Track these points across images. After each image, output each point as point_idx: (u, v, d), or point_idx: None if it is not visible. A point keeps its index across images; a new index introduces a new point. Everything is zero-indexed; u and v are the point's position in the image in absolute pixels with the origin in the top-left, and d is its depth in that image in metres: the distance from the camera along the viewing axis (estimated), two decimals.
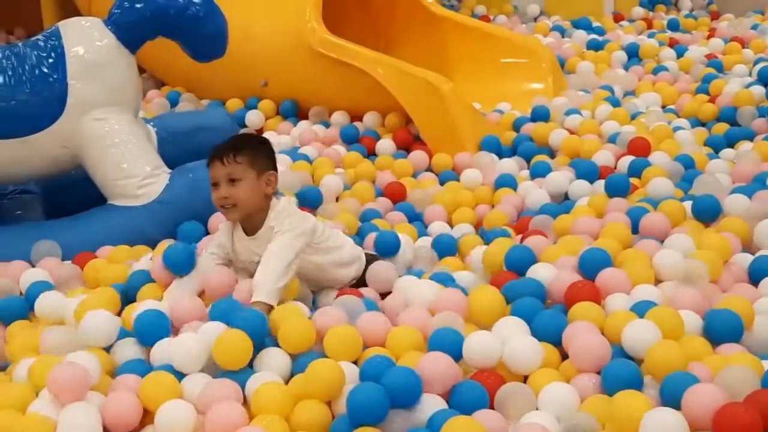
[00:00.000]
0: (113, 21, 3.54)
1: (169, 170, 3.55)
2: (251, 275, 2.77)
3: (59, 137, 3.44)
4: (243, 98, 5.27)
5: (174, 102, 5.44)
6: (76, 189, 3.64)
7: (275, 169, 2.85)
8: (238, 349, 2.36)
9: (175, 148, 3.78)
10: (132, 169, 3.46)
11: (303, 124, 5.02)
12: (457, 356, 2.34)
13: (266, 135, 4.89)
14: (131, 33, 3.55)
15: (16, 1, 7.37)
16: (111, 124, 3.48)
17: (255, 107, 5.19)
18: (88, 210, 3.50)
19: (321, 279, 2.93)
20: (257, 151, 2.81)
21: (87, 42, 3.51)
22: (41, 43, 3.51)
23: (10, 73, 3.42)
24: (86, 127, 3.45)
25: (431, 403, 2.19)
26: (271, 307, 2.62)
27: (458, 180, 4.17)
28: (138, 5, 3.53)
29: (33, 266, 3.19)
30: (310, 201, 3.83)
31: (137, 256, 3.25)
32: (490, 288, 2.68)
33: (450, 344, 2.36)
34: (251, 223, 2.82)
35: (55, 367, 2.24)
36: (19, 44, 3.58)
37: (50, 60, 3.46)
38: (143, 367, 2.44)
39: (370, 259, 3.05)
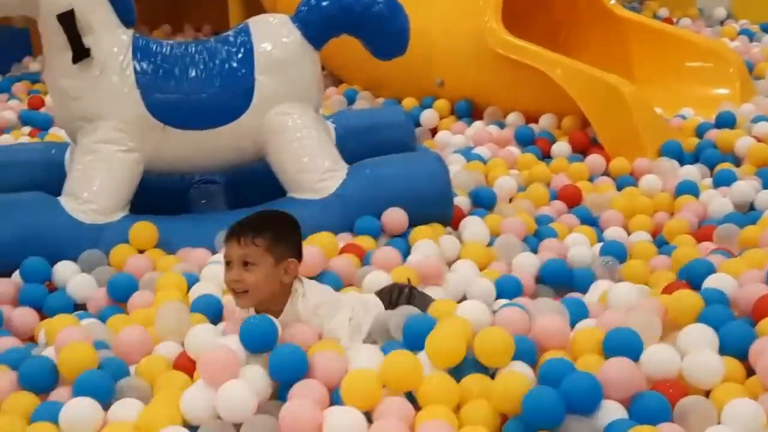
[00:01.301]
0: (300, 18, 3.63)
1: (347, 165, 3.61)
2: None
3: (245, 130, 3.55)
4: (418, 97, 5.30)
5: (351, 99, 5.54)
6: (257, 180, 3.74)
7: (299, 255, 2.57)
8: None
9: (352, 145, 3.83)
10: (312, 163, 3.54)
11: (477, 124, 5.01)
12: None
13: (440, 135, 4.93)
14: (317, 30, 3.62)
15: None
16: (294, 119, 3.57)
17: (430, 106, 5.21)
18: (268, 201, 3.59)
19: None
20: (280, 235, 2.52)
21: (274, 38, 3.62)
22: (231, 39, 3.64)
23: (201, 66, 3.55)
24: (271, 121, 3.55)
25: (610, 411, 2.14)
26: None
27: (636, 186, 4.07)
28: (324, 3, 3.61)
29: (215, 254, 3.30)
30: (483, 201, 3.83)
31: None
32: (687, 292, 2.57)
33: (629, 350, 2.29)
34: (266, 311, 2.52)
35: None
36: (211, 40, 3.72)
37: (239, 55, 3.58)
38: None
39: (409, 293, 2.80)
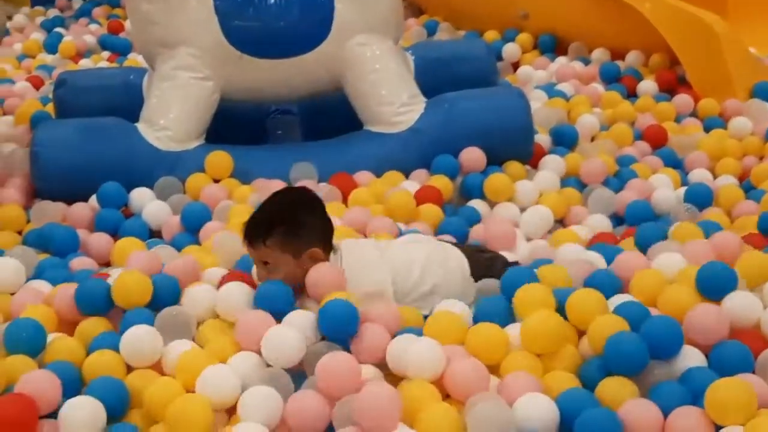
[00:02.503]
0: None
1: (426, 99, 3.53)
2: None
3: (323, 59, 3.49)
4: (501, 30, 5.18)
5: (431, 31, 5.44)
6: (333, 111, 3.69)
7: (322, 238, 2.38)
8: None
9: (433, 78, 3.76)
10: (390, 96, 3.48)
11: (561, 59, 4.88)
12: None
13: (522, 69, 4.81)
14: None
15: None
16: (373, 49, 3.50)
17: (512, 40, 5.08)
18: (343, 134, 3.55)
19: None
20: (293, 227, 2.32)
21: None
22: None
23: None
24: (348, 52, 3.49)
25: (689, 357, 2.06)
26: None
27: (725, 128, 3.92)
28: None
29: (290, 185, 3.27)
30: (564, 139, 3.73)
31: (394, 183, 3.28)
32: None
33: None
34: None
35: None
36: None
37: None
38: None
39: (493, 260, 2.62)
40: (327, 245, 2.38)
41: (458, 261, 2.50)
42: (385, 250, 2.48)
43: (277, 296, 2.26)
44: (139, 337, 2.17)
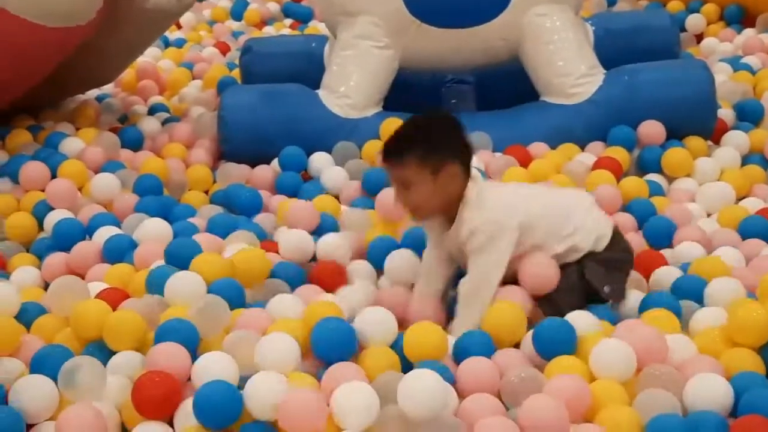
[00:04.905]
0: None
1: (605, 71, 3.49)
2: (454, 266, 2.43)
3: (501, 30, 3.49)
4: (685, 0, 5.01)
5: (612, 1, 5.32)
6: (510, 82, 3.68)
7: (462, 156, 2.28)
8: None
9: (612, 49, 3.69)
10: (568, 67, 3.45)
11: (748, 31, 4.69)
12: None
13: (706, 41, 4.66)
14: None
15: None
16: (553, 20, 3.47)
17: (697, 11, 4.92)
18: (519, 104, 3.55)
19: None
20: (432, 144, 2.25)
21: None
22: None
23: None
24: (527, 22, 3.47)
25: None
26: None
27: None
28: None
29: None
30: (749, 115, 3.61)
31: (569, 156, 3.26)
32: None
33: None
34: (444, 220, 2.34)
35: None
36: None
37: None
38: None
39: None
40: (466, 167, 2.30)
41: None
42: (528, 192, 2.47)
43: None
44: None
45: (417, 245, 2.56)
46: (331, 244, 2.65)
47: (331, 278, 2.53)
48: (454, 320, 2.32)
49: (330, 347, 2.06)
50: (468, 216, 2.27)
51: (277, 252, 2.64)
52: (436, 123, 2.31)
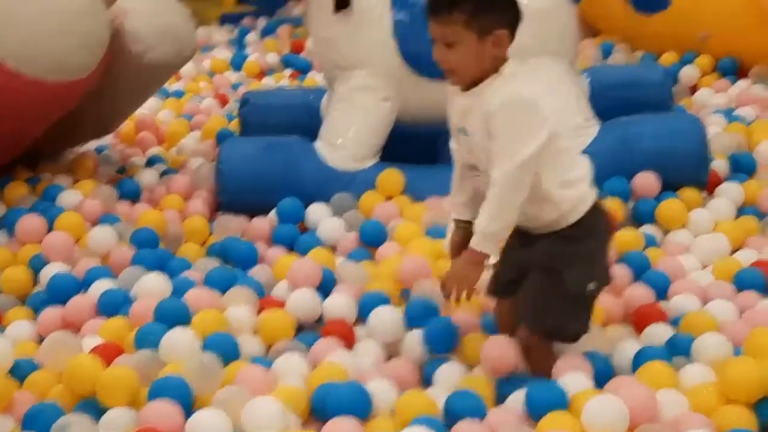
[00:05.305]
0: None
1: (600, 123, 3.52)
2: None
3: None
4: (679, 51, 5.07)
5: (607, 53, 5.37)
6: None
7: (510, 23, 2.17)
8: None
9: (606, 102, 3.72)
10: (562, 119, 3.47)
11: (741, 83, 4.74)
12: None
13: (700, 93, 4.70)
14: None
15: None
16: (547, 74, 3.50)
17: (691, 62, 4.97)
18: None
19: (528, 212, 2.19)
20: (481, 5, 2.12)
21: None
22: None
23: None
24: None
25: None
26: (484, 255, 2.17)
27: None
28: None
29: None
30: (743, 166, 3.63)
31: None
32: None
33: None
34: (474, 84, 2.20)
35: None
36: None
37: None
38: None
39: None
40: (512, 36, 2.18)
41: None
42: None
43: None
44: None
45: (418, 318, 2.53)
46: (337, 306, 2.64)
47: (341, 338, 2.50)
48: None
49: (336, 410, 2.07)
50: (500, 85, 2.15)
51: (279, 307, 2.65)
52: None
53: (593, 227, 2.24)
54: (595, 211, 2.24)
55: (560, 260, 2.20)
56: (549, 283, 2.20)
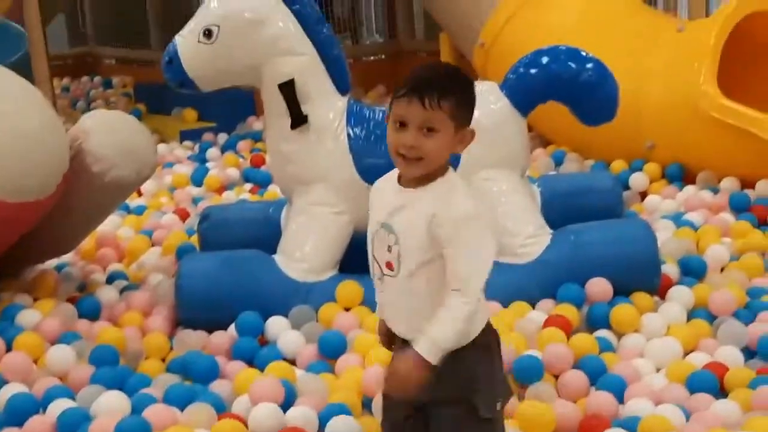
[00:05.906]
0: (508, 86, 3.67)
1: (551, 231, 3.61)
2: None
3: None
4: (628, 159, 5.22)
5: (558, 161, 5.51)
6: None
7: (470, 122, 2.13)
8: None
9: (558, 210, 3.82)
10: (515, 228, 3.56)
11: (689, 188, 4.87)
12: None
13: (650, 198, 4.83)
14: (525, 97, 3.65)
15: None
16: (499, 184, 3.60)
17: (640, 169, 5.12)
18: None
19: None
20: (465, 97, 2.09)
21: (482, 105, 3.55)
22: None
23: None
24: (476, 187, 3.57)
25: None
26: (432, 365, 2.05)
27: None
28: (533, 71, 3.64)
29: None
30: (693, 270, 3.72)
31: (521, 314, 3.34)
32: None
33: None
34: (424, 178, 2.12)
35: None
36: None
37: None
38: None
39: None
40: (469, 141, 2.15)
41: None
42: None
43: None
44: None
45: None
46: (298, 419, 2.67)
47: None
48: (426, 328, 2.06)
49: None
50: (448, 190, 2.10)
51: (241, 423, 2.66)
52: (467, 80, 2.13)
53: (491, 342, 2.21)
54: (488, 325, 2.21)
55: (468, 388, 2.13)
56: (464, 414, 2.12)
